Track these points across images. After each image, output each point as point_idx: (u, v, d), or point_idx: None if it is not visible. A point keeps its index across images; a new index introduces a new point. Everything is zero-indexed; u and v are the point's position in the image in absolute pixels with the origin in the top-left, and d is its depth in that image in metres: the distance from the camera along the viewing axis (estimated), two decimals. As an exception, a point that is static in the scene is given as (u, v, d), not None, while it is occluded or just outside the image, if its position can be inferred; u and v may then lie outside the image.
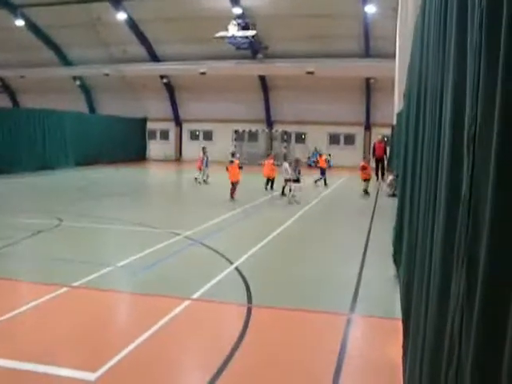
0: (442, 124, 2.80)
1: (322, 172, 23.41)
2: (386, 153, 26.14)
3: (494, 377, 1.39)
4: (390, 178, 20.80)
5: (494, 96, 1.46)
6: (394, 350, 5.34)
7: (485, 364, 1.47)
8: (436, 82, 3.36)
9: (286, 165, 19.06)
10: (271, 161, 20.71)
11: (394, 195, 19.79)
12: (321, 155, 25.29)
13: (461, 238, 1.85)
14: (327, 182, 23.20)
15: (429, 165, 3.58)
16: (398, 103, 19.21)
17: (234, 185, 17.81)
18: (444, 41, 2.94)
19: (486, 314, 1.46)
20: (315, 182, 23.44)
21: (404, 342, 4.98)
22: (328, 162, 32.65)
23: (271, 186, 20.61)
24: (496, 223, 1.42)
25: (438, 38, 3.29)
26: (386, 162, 26.00)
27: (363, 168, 20.78)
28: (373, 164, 24.51)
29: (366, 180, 20.59)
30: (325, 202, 18.84)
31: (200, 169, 23.69)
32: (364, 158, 25.43)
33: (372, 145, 28.89)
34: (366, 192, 20.47)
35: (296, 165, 18.57)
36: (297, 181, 18.06)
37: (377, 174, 25.04)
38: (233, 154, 20.03)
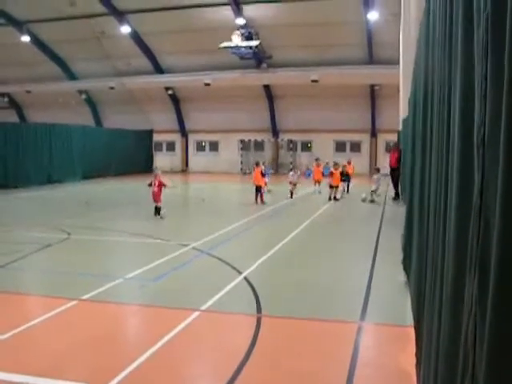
0: (451, 128, 2.77)
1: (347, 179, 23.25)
2: (400, 161, 20.99)
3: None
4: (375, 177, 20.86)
5: (500, 97, 1.46)
6: (407, 357, 5.29)
7: (500, 371, 1.44)
8: (443, 86, 3.34)
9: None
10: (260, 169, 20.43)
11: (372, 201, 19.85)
12: (349, 163, 24.39)
13: (473, 243, 1.82)
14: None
15: (438, 169, 3.55)
16: (403, 109, 19.20)
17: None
18: (450, 45, 2.93)
19: (499, 320, 1.43)
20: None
21: (417, 350, 4.92)
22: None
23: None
24: (507, 228, 1.39)
25: (444, 43, 3.27)
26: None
27: (330, 174, 21.32)
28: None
29: (331, 187, 21.05)
30: (332, 209, 18.80)
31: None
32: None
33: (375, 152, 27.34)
34: (329, 199, 20.80)
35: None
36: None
37: (395, 187, 21.54)
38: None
